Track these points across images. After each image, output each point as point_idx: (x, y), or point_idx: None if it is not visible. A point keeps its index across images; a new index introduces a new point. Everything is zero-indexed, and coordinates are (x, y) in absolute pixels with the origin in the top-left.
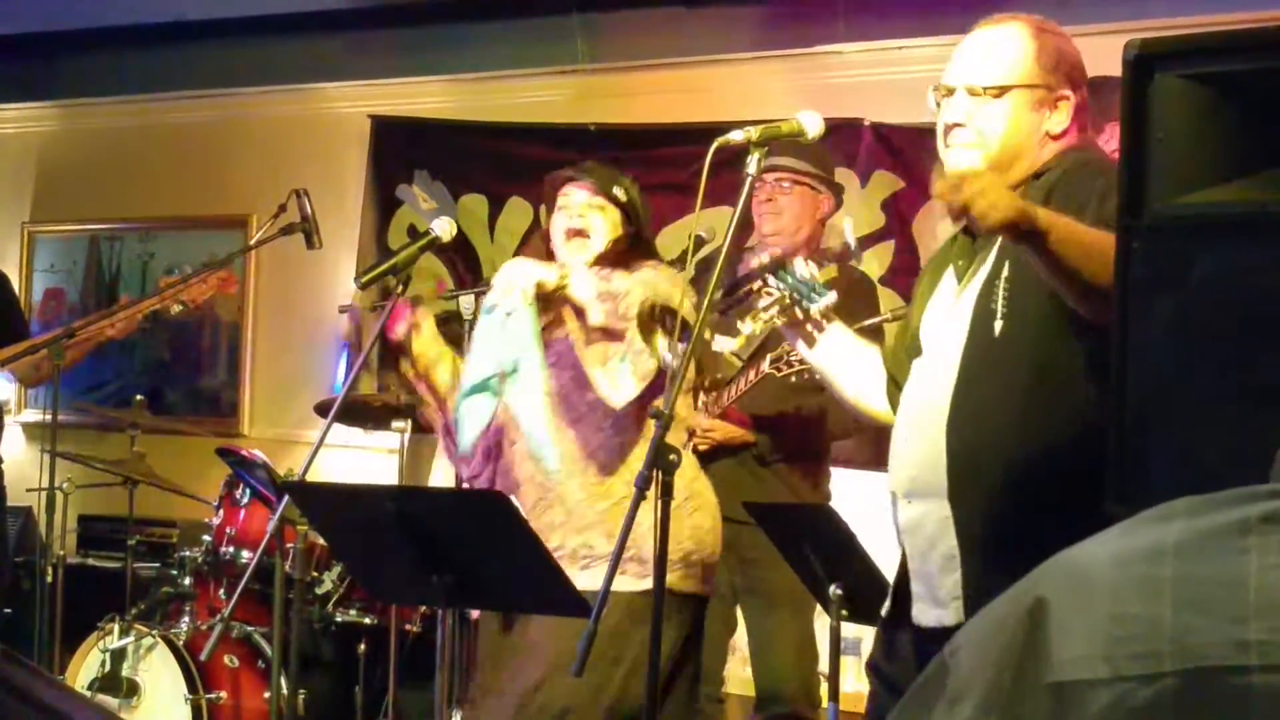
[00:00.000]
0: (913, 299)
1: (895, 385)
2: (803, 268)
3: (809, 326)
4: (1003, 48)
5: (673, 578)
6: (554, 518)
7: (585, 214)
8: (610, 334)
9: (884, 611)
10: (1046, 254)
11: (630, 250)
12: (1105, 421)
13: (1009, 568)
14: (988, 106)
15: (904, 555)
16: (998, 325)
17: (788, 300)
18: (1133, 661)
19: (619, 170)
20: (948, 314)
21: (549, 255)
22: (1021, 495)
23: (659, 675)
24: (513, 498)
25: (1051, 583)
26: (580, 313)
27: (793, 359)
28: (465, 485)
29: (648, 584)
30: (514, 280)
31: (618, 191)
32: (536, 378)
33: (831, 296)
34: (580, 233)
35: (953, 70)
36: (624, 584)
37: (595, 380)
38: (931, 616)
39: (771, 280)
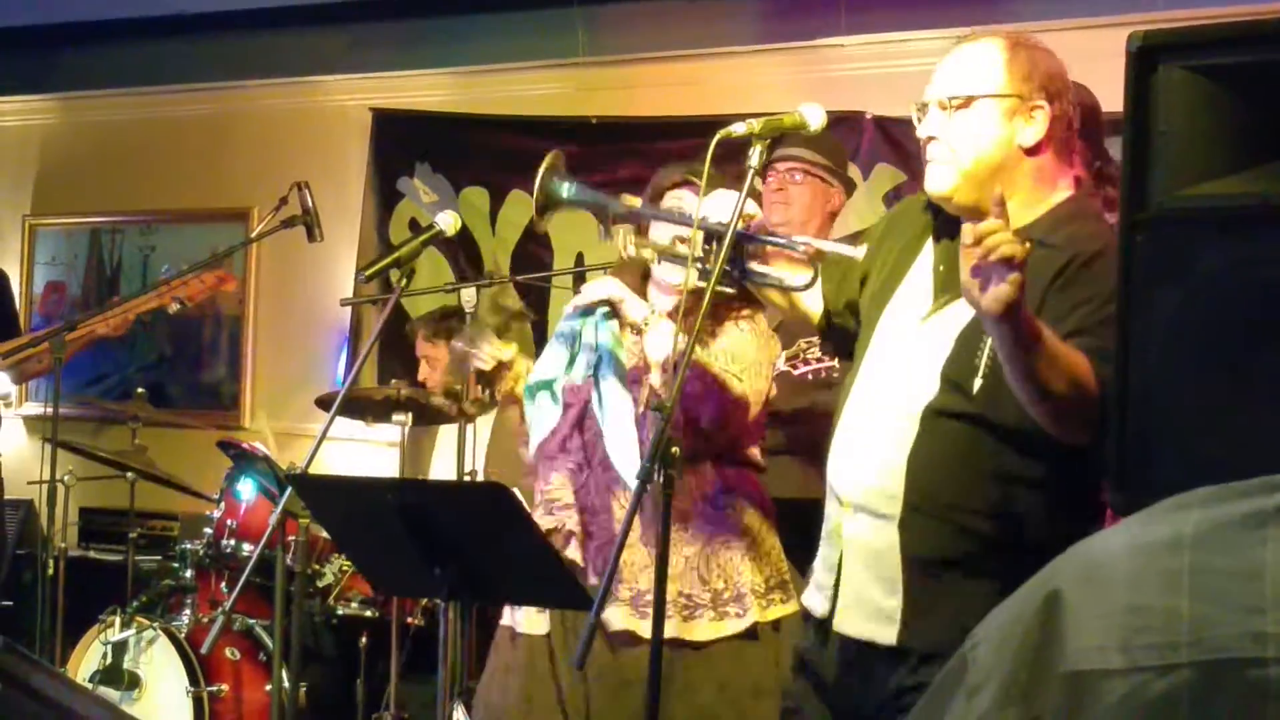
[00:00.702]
0: (872, 248)
1: (826, 314)
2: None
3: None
4: (973, 61)
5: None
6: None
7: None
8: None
9: (818, 610)
10: (1021, 350)
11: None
12: (1064, 492)
13: (949, 606)
14: (956, 119)
15: (839, 558)
16: (977, 383)
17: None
18: (1149, 652)
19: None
20: (917, 328)
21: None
22: (977, 550)
23: (659, 687)
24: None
25: (1067, 574)
26: (645, 367)
27: (809, 356)
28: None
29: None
30: (604, 288)
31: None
32: (618, 372)
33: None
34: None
35: (929, 87)
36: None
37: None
38: (859, 629)
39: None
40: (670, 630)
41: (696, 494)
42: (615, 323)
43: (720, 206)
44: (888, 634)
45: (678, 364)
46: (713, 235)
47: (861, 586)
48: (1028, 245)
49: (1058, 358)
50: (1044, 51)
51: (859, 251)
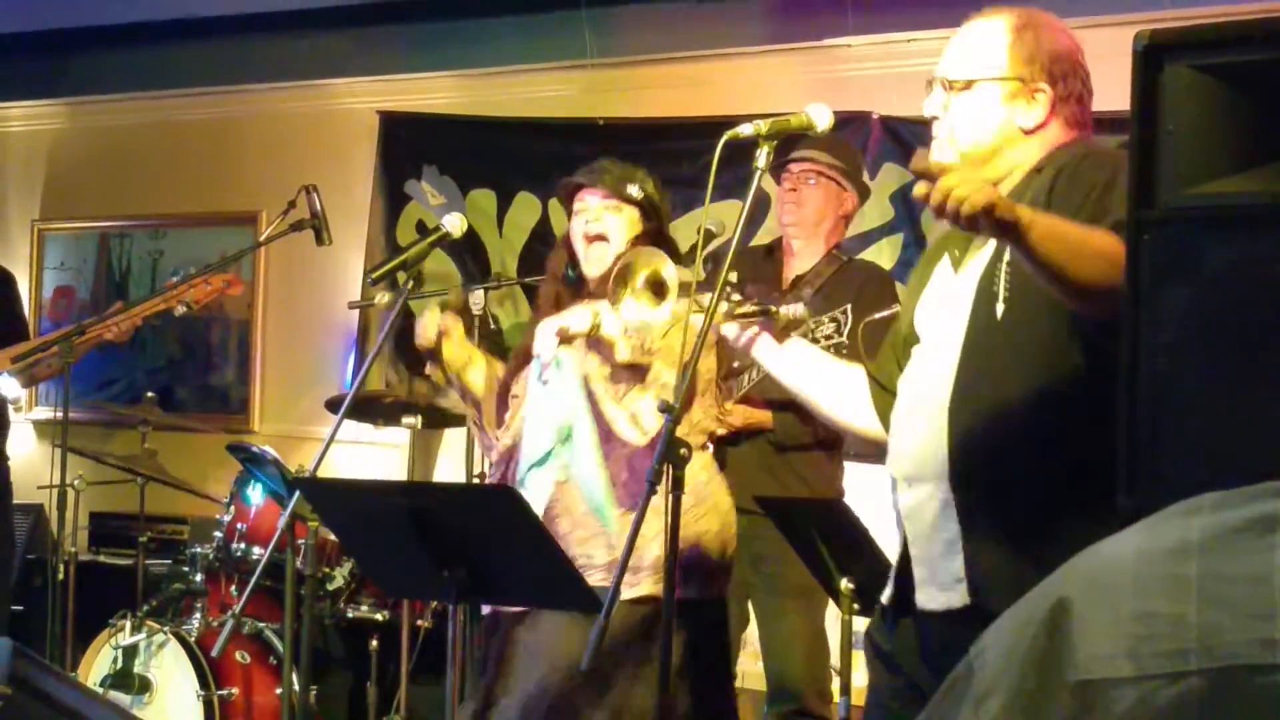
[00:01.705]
0: (903, 299)
1: (885, 393)
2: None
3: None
4: (978, 41)
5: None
6: (560, 528)
7: (601, 217)
8: (636, 370)
9: (885, 598)
10: (1029, 249)
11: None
12: (1107, 407)
13: (1012, 550)
14: (958, 100)
15: (905, 540)
16: (999, 308)
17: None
18: (1158, 660)
19: (632, 165)
20: (944, 298)
21: (571, 260)
22: (1023, 478)
23: (669, 678)
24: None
25: (1075, 582)
26: (610, 349)
27: (818, 335)
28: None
29: (635, 593)
30: (543, 339)
31: (632, 190)
32: (589, 434)
33: (799, 307)
34: (599, 237)
35: (939, 64)
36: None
37: (613, 419)
38: (938, 600)
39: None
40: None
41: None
42: (565, 369)
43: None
44: (960, 596)
45: (685, 366)
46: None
47: (928, 558)
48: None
49: (1083, 244)
50: (1053, 30)
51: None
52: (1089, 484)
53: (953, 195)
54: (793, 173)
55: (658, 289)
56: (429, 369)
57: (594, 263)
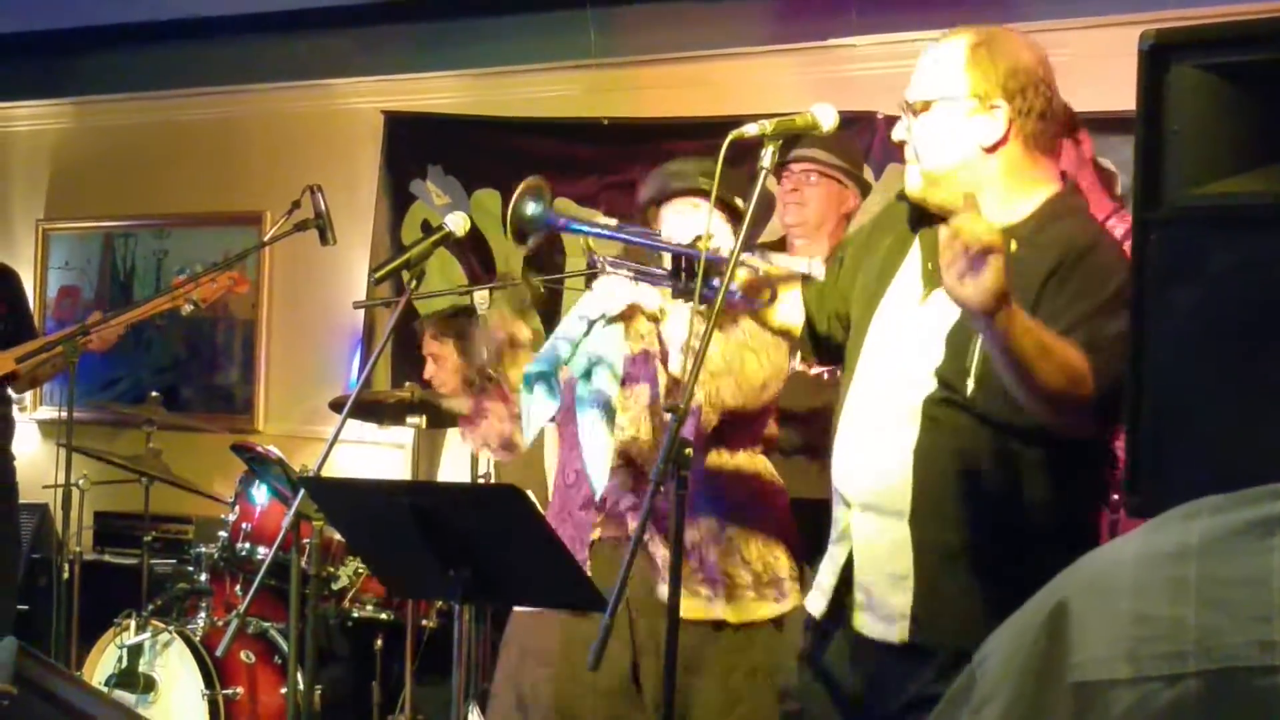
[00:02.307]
0: (854, 250)
1: (810, 326)
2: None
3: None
4: (936, 63)
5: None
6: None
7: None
8: (650, 368)
9: (815, 610)
10: (1004, 335)
11: None
12: (1075, 475)
13: (963, 597)
14: (918, 123)
15: (849, 559)
16: (970, 384)
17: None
18: (1156, 662)
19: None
20: (906, 325)
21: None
22: (986, 532)
23: (674, 680)
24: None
25: (1074, 585)
26: (664, 355)
27: None
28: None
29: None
30: (614, 294)
31: (739, 202)
32: (610, 387)
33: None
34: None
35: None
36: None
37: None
38: (876, 630)
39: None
40: (717, 611)
41: (728, 472)
42: (619, 327)
43: (687, 226)
44: (899, 631)
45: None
46: (681, 258)
47: (872, 585)
48: (1007, 239)
49: (1050, 350)
50: (1012, 46)
51: (807, 266)
52: (1051, 545)
53: (980, 240)
54: (794, 172)
55: None
56: (493, 370)
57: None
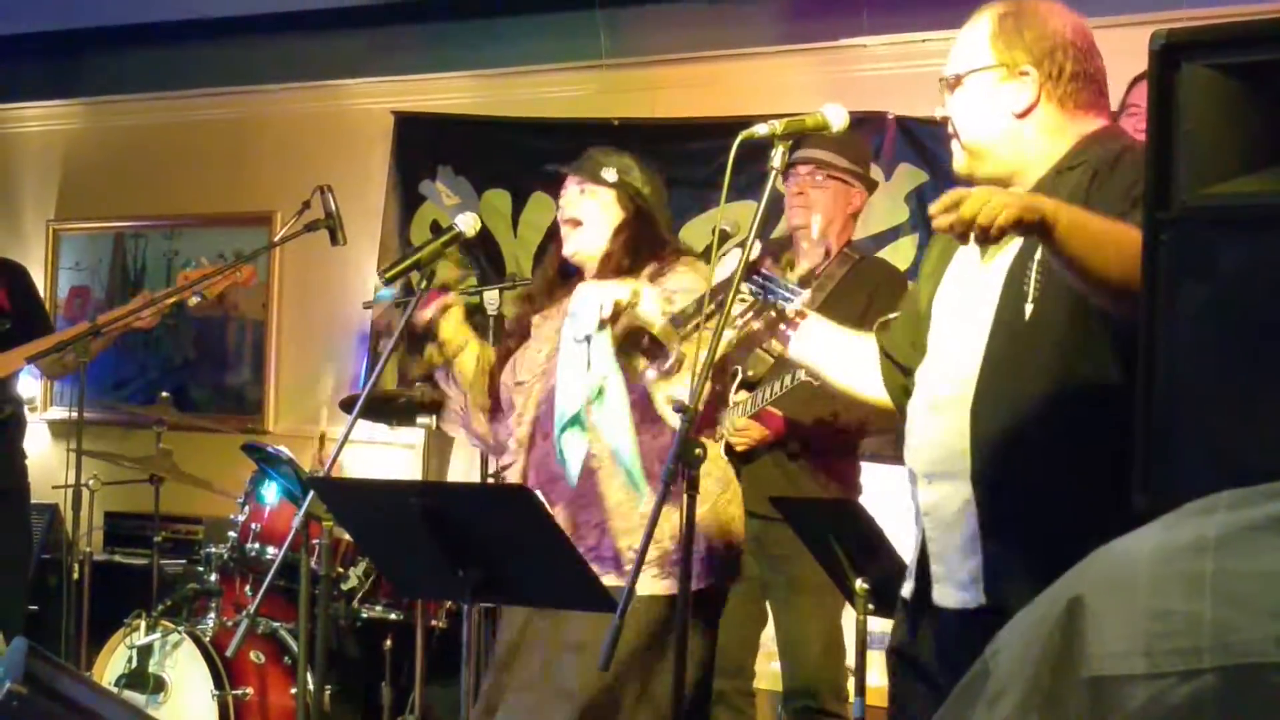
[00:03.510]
0: (920, 275)
1: (895, 367)
2: (772, 274)
3: (783, 326)
4: (964, 38)
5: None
6: (591, 517)
7: (575, 202)
8: (661, 355)
9: (905, 592)
10: (1055, 243)
11: (643, 236)
12: (1132, 412)
13: (1031, 551)
14: (954, 98)
15: (923, 536)
16: (1028, 308)
17: (760, 304)
18: (1172, 657)
19: (620, 153)
20: (968, 287)
21: (558, 248)
22: (1046, 479)
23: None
24: (539, 492)
25: (1090, 580)
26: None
27: None
28: (500, 472)
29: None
30: (588, 305)
31: (605, 174)
32: (621, 398)
33: (804, 295)
34: (572, 221)
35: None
36: (644, 586)
37: (660, 406)
38: (954, 599)
39: (745, 286)
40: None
41: None
42: (601, 340)
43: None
44: (975, 597)
45: (704, 367)
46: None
47: (946, 555)
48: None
49: (1100, 231)
50: (1040, 14)
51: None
52: (1112, 487)
53: (984, 213)
54: (800, 174)
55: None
56: (427, 350)
57: (570, 244)
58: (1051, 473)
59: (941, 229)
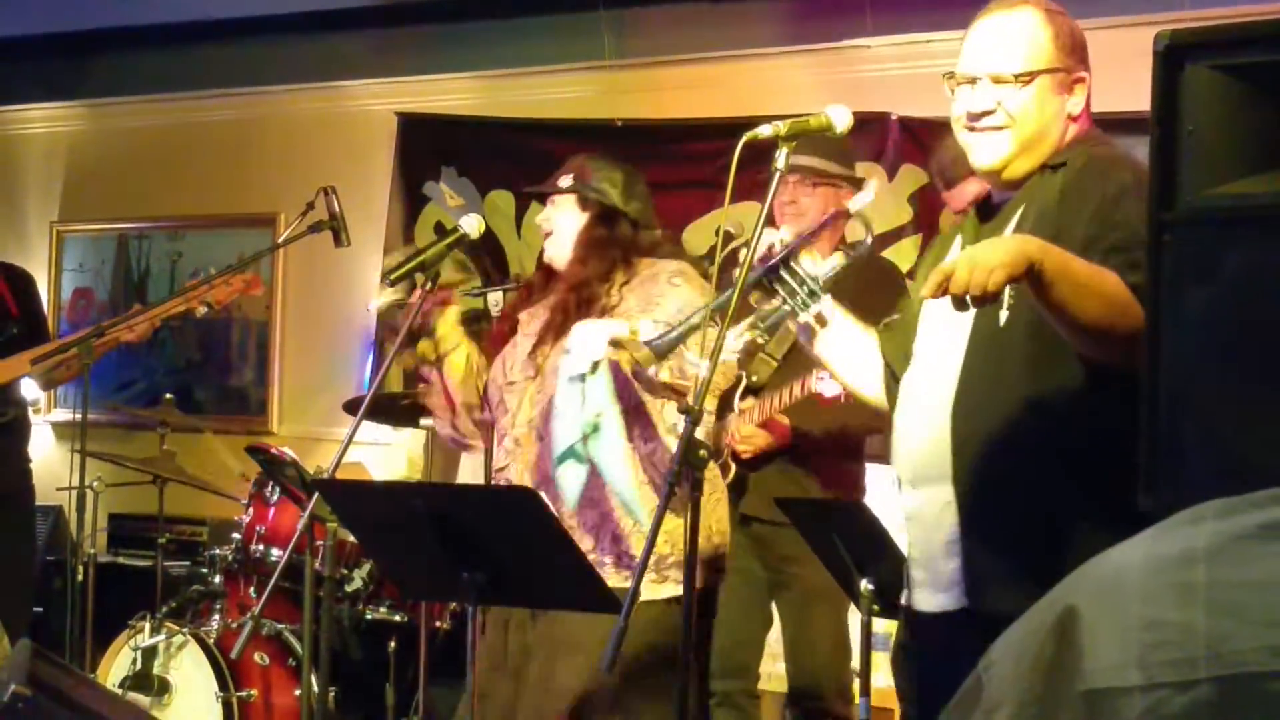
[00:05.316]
0: (915, 280)
1: (891, 375)
2: (810, 265)
3: (813, 324)
4: (1022, 34)
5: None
6: (588, 519)
7: (548, 214)
8: (675, 390)
9: (904, 600)
10: (1042, 288)
11: (610, 237)
12: (1103, 417)
13: (1011, 553)
14: (1016, 93)
15: (909, 542)
16: (1003, 315)
17: (782, 307)
18: (1167, 668)
19: (589, 156)
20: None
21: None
22: (1024, 482)
23: (688, 675)
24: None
25: (1082, 590)
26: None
27: None
28: (495, 474)
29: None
30: (587, 343)
31: (562, 181)
32: (618, 432)
33: (823, 303)
34: (545, 232)
35: (971, 59)
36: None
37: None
38: (933, 602)
39: (774, 283)
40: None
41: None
42: (599, 379)
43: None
44: (955, 599)
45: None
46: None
47: (928, 558)
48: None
49: (1084, 282)
50: (1070, 19)
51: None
52: (1089, 489)
53: (977, 275)
54: (789, 183)
55: None
56: (420, 345)
57: (546, 253)
58: (1030, 475)
59: (932, 296)
